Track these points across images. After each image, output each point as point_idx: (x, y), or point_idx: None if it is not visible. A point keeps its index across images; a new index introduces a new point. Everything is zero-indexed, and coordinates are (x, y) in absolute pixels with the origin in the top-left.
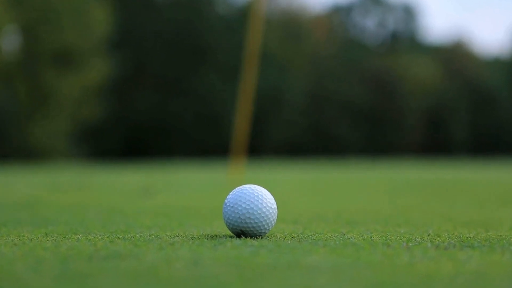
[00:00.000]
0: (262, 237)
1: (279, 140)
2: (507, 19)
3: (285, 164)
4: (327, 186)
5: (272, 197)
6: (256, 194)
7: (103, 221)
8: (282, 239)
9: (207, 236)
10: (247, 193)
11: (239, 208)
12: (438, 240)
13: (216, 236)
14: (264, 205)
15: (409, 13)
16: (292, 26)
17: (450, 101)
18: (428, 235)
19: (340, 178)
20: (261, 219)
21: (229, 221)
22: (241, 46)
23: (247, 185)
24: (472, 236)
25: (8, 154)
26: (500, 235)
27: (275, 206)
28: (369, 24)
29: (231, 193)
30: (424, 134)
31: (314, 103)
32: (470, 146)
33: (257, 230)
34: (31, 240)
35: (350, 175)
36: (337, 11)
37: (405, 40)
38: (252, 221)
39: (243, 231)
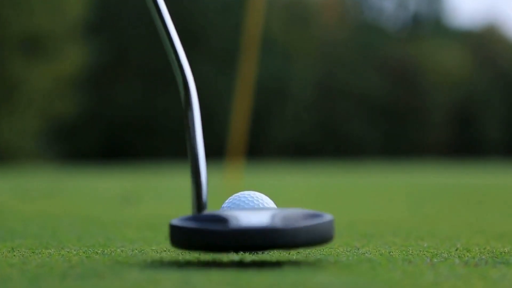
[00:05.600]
0: (263, 253)
1: (282, 139)
2: None
3: (289, 167)
4: (338, 193)
5: (274, 206)
6: (256, 202)
7: (79, 234)
8: (286, 255)
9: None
10: (246, 201)
11: None
12: (467, 256)
13: None
14: None
15: None
16: (298, 7)
17: (481, 94)
18: (456, 250)
19: (354, 184)
20: None
21: None
22: (239, 30)
23: (246, 192)
24: (506, 251)
25: None
26: None
27: None
28: (387, 5)
29: (227, 201)
30: (451, 133)
31: (324, 97)
32: (504, 146)
33: None
34: None
35: (365, 180)
36: None
37: (429, 24)
38: None
39: None
